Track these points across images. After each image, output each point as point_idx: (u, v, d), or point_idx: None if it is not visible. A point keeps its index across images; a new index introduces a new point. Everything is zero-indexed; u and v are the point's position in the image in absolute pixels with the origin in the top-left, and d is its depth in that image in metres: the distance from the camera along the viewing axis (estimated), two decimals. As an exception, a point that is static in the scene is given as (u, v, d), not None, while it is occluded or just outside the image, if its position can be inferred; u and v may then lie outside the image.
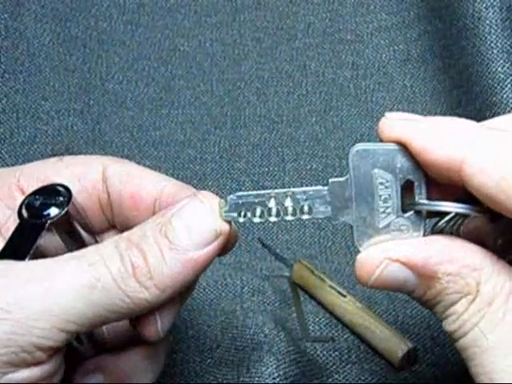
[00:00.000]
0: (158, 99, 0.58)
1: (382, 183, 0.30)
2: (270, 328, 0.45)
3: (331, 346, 0.44)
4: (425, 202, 0.30)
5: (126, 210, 0.35)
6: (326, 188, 0.30)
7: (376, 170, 0.30)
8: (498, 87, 0.51)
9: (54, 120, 0.57)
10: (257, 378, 0.40)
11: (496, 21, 0.52)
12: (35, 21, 0.60)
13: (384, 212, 0.30)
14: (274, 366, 0.41)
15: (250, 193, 0.31)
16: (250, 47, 0.60)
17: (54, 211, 0.33)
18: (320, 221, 0.52)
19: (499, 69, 0.52)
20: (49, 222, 0.33)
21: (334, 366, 0.43)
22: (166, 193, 0.34)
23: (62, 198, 0.33)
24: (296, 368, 0.41)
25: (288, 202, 0.31)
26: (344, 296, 0.45)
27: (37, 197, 0.33)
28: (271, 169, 0.55)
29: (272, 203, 0.31)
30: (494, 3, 0.52)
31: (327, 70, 0.59)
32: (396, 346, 0.42)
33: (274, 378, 0.39)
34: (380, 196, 0.30)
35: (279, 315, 0.45)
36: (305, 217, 0.31)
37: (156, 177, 0.35)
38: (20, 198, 0.33)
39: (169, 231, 0.30)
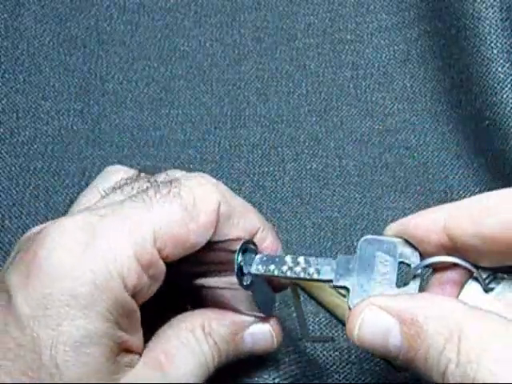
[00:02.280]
0: (157, 99, 0.58)
1: (381, 262, 0.35)
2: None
3: (331, 346, 0.44)
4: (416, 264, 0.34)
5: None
6: (334, 260, 0.35)
7: (379, 253, 0.35)
8: (498, 87, 0.51)
9: (54, 120, 0.57)
10: (256, 378, 0.40)
11: (496, 21, 0.52)
12: (35, 21, 0.60)
13: (380, 282, 0.34)
14: (274, 366, 0.41)
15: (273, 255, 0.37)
16: (250, 47, 0.60)
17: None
18: (320, 221, 0.52)
19: (499, 69, 0.52)
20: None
21: (334, 366, 0.43)
22: (257, 237, 0.37)
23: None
24: (296, 368, 0.41)
25: (301, 263, 0.36)
26: (344, 296, 0.45)
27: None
28: (271, 169, 0.55)
29: (288, 260, 0.36)
30: (494, 3, 0.52)
31: (327, 70, 0.59)
32: None
33: (274, 378, 0.39)
34: (379, 270, 0.34)
35: (279, 315, 0.45)
36: (314, 276, 0.35)
37: (254, 216, 0.38)
38: (163, 268, 0.34)
39: (238, 341, 0.37)
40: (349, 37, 0.60)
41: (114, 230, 0.32)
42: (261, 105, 0.58)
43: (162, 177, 0.36)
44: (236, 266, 0.35)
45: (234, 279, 0.35)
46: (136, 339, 0.33)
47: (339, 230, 0.52)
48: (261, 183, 0.54)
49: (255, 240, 0.37)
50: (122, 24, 0.61)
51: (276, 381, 0.40)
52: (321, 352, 0.43)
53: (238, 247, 0.35)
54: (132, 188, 0.36)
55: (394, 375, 0.42)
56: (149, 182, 0.36)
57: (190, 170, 0.55)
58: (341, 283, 0.34)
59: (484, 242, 0.32)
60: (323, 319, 0.45)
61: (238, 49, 0.60)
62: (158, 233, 0.33)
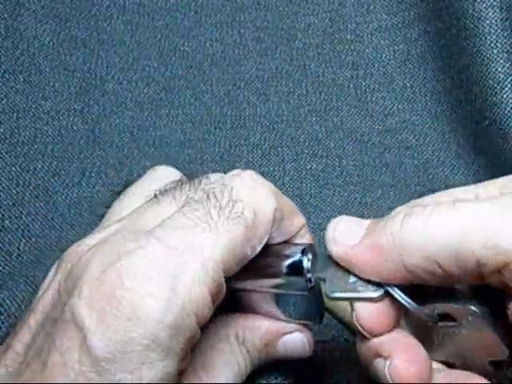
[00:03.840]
0: (157, 99, 0.58)
1: None
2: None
3: (331, 347, 0.44)
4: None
5: None
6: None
7: None
8: (498, 87, 0.51)
9: (54, 120, 0.57)
10: (256, 380, 0.40)
11: (496, 21, 0.52)
12: (35, 21, 0.60)
13: (355, 275, 0.34)
14: (274, 365, 0.41)
15: None
16: (250, 47, 0.60)
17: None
18: (320, 221, 0.52)
19: (499, 69, 0.52)
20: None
21: (335, 366, 0.43)
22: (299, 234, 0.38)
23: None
24: (296, 368, 0.41)
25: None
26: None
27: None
28: (271, 169, 0.55)
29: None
30: (494, 3, 0.52)
31: (327, 70, 0.59)
32: None
33: (275, 378, 0.39)
34: None
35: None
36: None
37: (299, 215, 0.38)
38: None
39: (270, 351, 0.38)
40: (349, 37, 0.60)
41: (189, 268, 0.31)
42: (261, 105, 0.58)
43: (215, 186, 0.35)
44: (305, 271, 0.35)
45: (278, 281, 0.35)
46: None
47: (339, 230, 0.52)
48: (261, 183, 0.54)
49: (297, 238, 0.38)
50: (122, 24, 0.61)
51: (277, 381, 0.40)
52: (321, 352, 0.43)
53: (302, 251, 0.35)
54: (187, 196, 0.35)
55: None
56: (203, 191, 0.35)
57: (190, 170, 0.55)
58: (318, 275, 0.35)
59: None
60: (324, 319, 0.45)
61: (238, 49, 0.60)
62: (226, 259, 0.32)
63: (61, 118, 0.57)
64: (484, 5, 0.53)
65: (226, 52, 0.60)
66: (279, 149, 0.56)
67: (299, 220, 0.38)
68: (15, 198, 0.53)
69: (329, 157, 0.55)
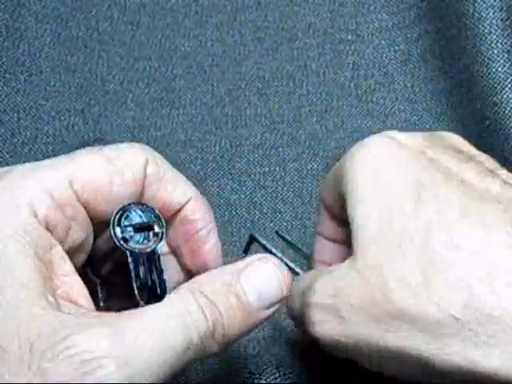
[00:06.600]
0: (158, 99, 0.58)
1: None
2: (269, 328, 0.45)
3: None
4: None
5: None
6: None
7: None
8: (498, 87, 0.51)
9: (54, 120, 0.57)
10: (256, 381, 0.40)
11: (496, 21, 0.52)
12: (36, 21, 0.60)
13: None
14: (274, 365, 0.41)
15: None
16: (250, 47, 0.60)
17: (152, 238, 0.34)
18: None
19: (499, 69, 0.52)
20: (159, 251, 0.34)
21: (335, 365, 0.43)
22: (188, 207, 0.36)
23: (147, 219, 0.34)
24: (296, 368, 0.41)
25: None
26: None
27: (128, 219, 0.34)
28: (272, 169, 0.55)
29: None
30: (494, 3, 0.53)
31: (328, 70, 0.59)
32: None
33: (275, 378, 0.40)
34: None
35: (279, 314, 0.45)
36: None
37: (185, 184, 0.36)
38: (84, 213, 0.33)
39: (238, 291, 0.32)
40: (349, 37, 0.60)
41: (26, 169, 0.33)
42: (261, 105, 0.58)
43: None
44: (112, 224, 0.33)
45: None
46: (70, 283, 0.32)
47: (340, 230, 0.52)
48: (262, 183, 0.54)
49: (186, 211, 0.36)
50: (123, 24, 0.61)
51: (277, 381, 0.40)
52: (321, 351, 0.43)
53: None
54: None
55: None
56: None
57: (190, 169, 0.55)
58: None
59: None
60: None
61: (239, 49, 0.60)
62: (75, 176, 0.33)
63: (61, 118, 0.57)
64: (484, 5, 0.53)
65: (226, 52, 0.60)
66: (280, 149, 0.56)
67: (186, 190, 0.36)
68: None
69: (329, 157, 0.55)
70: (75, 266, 0.33)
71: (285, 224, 0.52)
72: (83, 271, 0.35)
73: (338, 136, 0.56)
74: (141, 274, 0.33)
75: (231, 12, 0.62)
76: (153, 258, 0.34)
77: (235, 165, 0.55)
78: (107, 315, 0.31)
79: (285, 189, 0.54)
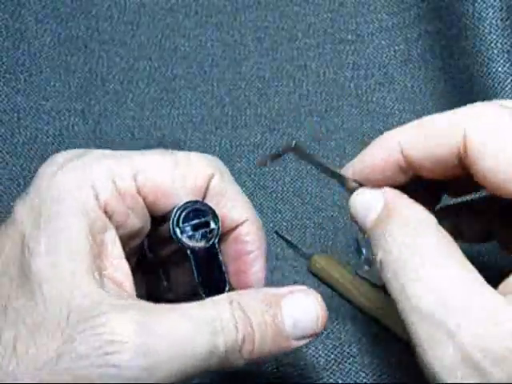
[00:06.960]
0: (158, 99, 0.59)
1: None
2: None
3: (332, 344, 0.44)
4: None
5: None
6: None
7: None
8: (498, 87, 0.51)
9: (55, 120, 0.57)
10: (257, 380, 0.40)
11: (496, 21, 0.52)
12: (36, 21, 0.60)
13: None
14: (275, 365, 0.41)
15: None
16: (250, 47, 0.60)
17: (209, 234, 0.35)
18: (321, 221, 0.52)
19: (499, 69, 0.52)
20: (216, 245, 0.35)
21: (335, 364, 0.43)
22: (243, 228, 0.37)
23: (204, 217, 0.35)
24: (296, 368, 0.41)
25: None
26: (377, 286, 0.44)
27: (187, 218, 0.35)
28: (272, 169, 0.55)
29: None
30: (494, 3, 0.53)
31: (328, 70, 0.59)
32: None
33: (275, 378, 0.40)
34: None
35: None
36: None
37: (244, 205, 0.37)
38: (142, 204, 0.35)
39: (276, 313, 0.32)
40: (349, 37, 0.60)
41: (100, 155, 0.34)
42: (262, 105, 0.58)
43: None
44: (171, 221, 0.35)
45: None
46: (117, 266, 0.33)
47: (340, 230, 0.52)
48: (262, 183, 0.54)
49: (240, 231, 0.37)
50: (123, 24, 0.61)
51: (278, 381, 0.40)
52: (322, 351, 0.43)
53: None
54: None
55: (394, 370, 0.43)
56: None
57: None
58: None
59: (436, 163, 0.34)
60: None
61: (239, 49, 0.60)
62: (140, 170, 0.34)
63: (62, 118, 0.57)
64: (484, 5, 0.53)
65: (226, 52, 0.60)
66: (280, 149, 0.56)
67: (245, 211, 0.37)
68: (16, 197, 0.53)
69: (329, 157, 0.55)
70: (129, 250, 0.35)
71: (285, 224, 0.52)
72: (143, 253, 0.37)
73: (338, 136, 0.56)
74: (201, 269, 0.35)
75: (231, 12, 0.62)
76: (212, 253, 0.35)
77: (235, 165, 0.55)
78: (145, 304, 0.31)
79: (285, 189, 0.54)
